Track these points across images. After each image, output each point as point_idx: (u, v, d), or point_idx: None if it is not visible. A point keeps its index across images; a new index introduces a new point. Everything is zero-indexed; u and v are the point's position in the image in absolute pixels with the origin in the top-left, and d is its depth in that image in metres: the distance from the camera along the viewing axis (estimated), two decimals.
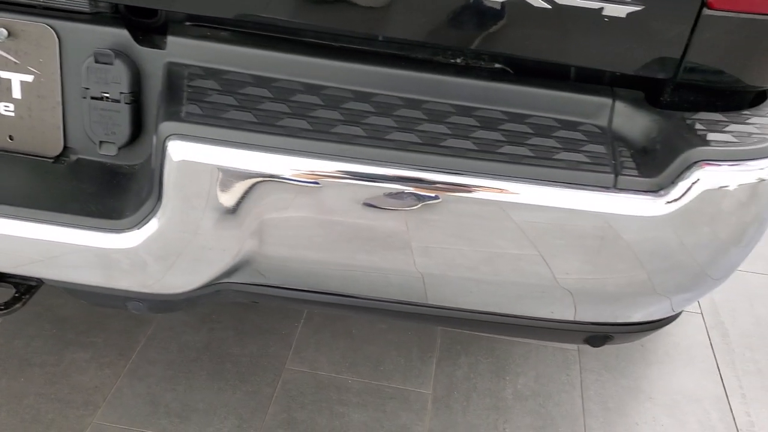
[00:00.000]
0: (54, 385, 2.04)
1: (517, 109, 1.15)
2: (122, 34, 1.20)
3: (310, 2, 1.13)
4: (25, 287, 1.37)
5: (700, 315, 2.56)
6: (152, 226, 1.11)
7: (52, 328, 2.21)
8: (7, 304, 1.33)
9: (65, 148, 1.28)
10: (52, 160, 1.28)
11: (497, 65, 1.20)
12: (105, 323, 2.24)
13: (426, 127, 1.08)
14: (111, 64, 1.18)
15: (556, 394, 2.16)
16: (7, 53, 1.22)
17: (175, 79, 1.15)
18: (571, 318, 1.17)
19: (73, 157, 1.28)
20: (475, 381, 2.18)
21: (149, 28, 1.23)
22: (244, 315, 2.33)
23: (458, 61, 1.20)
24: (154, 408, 2.00)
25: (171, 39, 1.19)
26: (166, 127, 1.05)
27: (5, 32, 1.20)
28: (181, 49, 1.19)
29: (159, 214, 1.10)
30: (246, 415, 2.01)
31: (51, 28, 1.20)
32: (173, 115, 1.06)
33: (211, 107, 1.09)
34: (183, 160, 1.05)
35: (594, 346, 1.25)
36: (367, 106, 1.12)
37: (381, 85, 1.16)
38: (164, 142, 1.05)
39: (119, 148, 1.24)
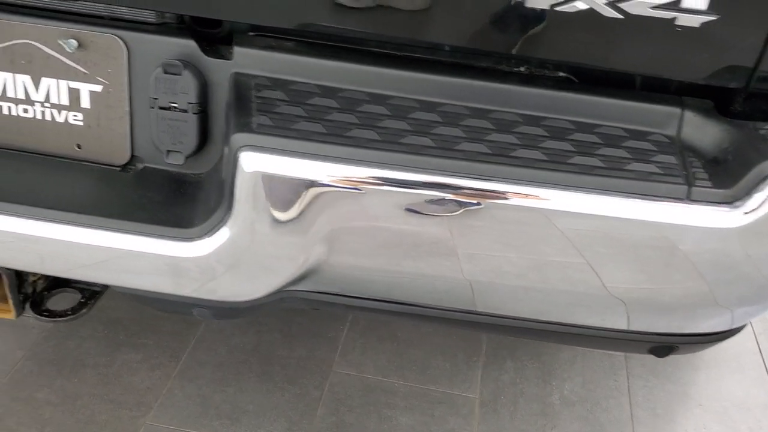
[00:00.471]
0: (107, 386, 2.07)
1: (584, 119, 1.14)
2: (189, 45, 1.21)
3: (373, 11, 1.13)
4: (89, 293, 1.39)
5: (749, 322, 2.52)
6: (222, 235, 1.11)
7: (104, 330, 2.24)
8: (74, 310, 1.36)
9: (132, 156, 1.29)
10: (119, 169, 1.30)
11: (561, 74, 1.19)
12: (155, 325, 2.27)
13: (495, 137, 1.07)
14: (179, 74, 1.19)
15: (604, 400, 2.14)
16: (77, 64, 1.24)
17: (242, 89, 1.16)
18: (636, 328, 1.16)
19: (140, 166, 1.30)
20: (522, 386, 2.17)
21: (215, 39, 1.24)
22: (291, 318, 2.34)
23: (522, 69, 1.20)
24: (204, 409, 2.02)
25: (237, 50, 1.20)
26: (238, 138, 1.06)
27: (75, 43, 1.21)
28: (247, 59, 1.19)
29: (230, 223, 1.10)
30: (295, 417, 2.02)
31: (120, 38, 1.21)
32: (244, 127, 1.07)
33: (280, 118, 1.09)
34: (255, 171, 1.06)
35: (658, 357, 1.24)
36: (434, 115, 1.12)
37: (446, 95, 1.16)
38: (236, 153, 1.06)
39: (186, 157, 1.25)
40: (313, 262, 1.13)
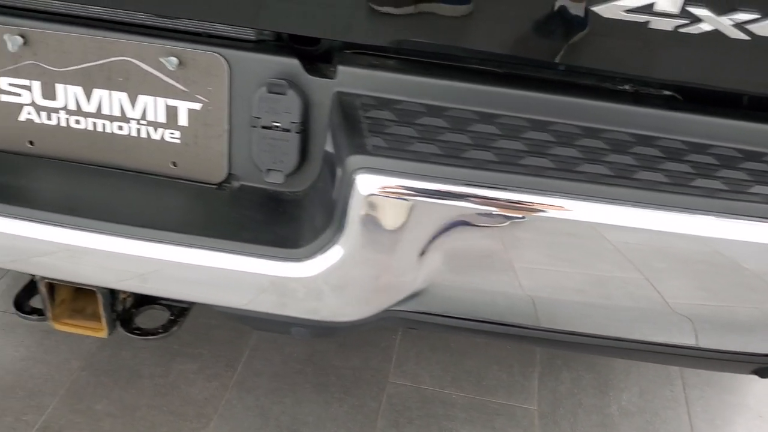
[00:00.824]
0: (164, 396, 2.06)
1: (693, 138, 1.12)
2: (292, 64, 1.19)
3: (482, 30, 1.12)
4: (178, 310, 1.38)
5: None
6: (333, 255, 1.10)
7: (158, 339, 2.23)
8: (165, 327, 1.35)
9: (228, 174, 1.28)
10: (215, 187, 1.28)
11: (666, 92, 1.18)
12: (209, 334, 2.26)
13: (612, 158, 1.06)
14: (284, 94, 1.18)
15: (662, 411, 2.13)
16: (176, 81, 1.22)
17: (349, 109, 1.14)
18: (745, 349, 1.15)
19: (236, 184, 1.28)
20: (580, 397, 2.16)
21: (314, 57, 1.23)
22: None
23: (627, 88, 1.18)
24: (264, 421, 2.01)
25: (341, 68, 1.18)
26: (355, 160, 1.05)
27: (176, 61, 1.20)
28: (350, 78, 1.18)
29: (341, 243, 1.09)
30: (355, 429, 2.01)
31: (222, 57, 1.20)
32: (359, 148, 1.06)
33: (394, 139, 1.08)
34: (372, 193, 1.04)
35: (761, 377, 1.23)
36: (546, 135, 1.10)
37: (553, 113, 1.14)
38: (352, 175, 1.05)
39: (286, 176, 1.24)
40: (423, 283, 1.11)
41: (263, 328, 1.27)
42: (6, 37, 1.21)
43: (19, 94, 1.26)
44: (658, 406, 2.15)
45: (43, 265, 1.20)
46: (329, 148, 1.19)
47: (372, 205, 1.05)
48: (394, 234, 1.06)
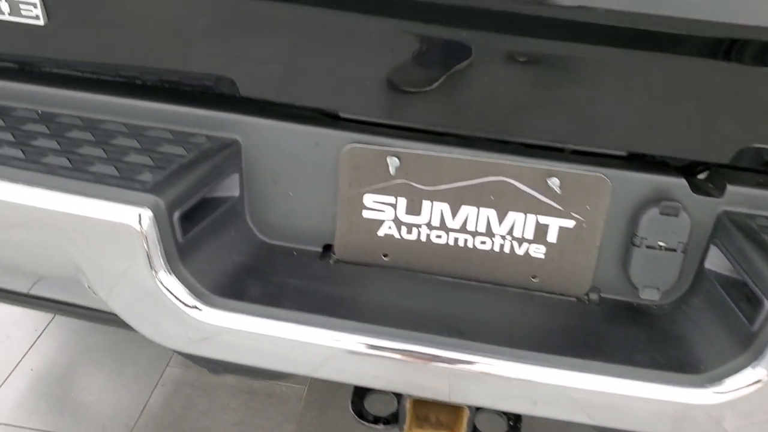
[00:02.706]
0: None
1: None
2: (680, 184, 1.16)
3: None
4: (514, 416, 1.35)
5: None
6: (742, 382, 1.07)
7: None
8: None
9: (590, 287, 1.24)
10: (575, 300, 1.25)
11: None
12: None
13: None
14: (676, 215, 1.15)
15: None
16: (551, 200, 1.19)
17: (751, 232, 1.11)
18: None
19: (595, 297, 1.25)
20: None
21: (692, 174, 1.19)
22: None
23: None
24: None
25: (730, 188, 1.15)
26: None
27: (558, 182, 1.16)
28: (739, 197, 1.15)
29: (757, 371, 1.05)
30: None
31: (606, 177, 1.16)
32: None
33: None
34: None
35: None
36: None
37: None
38: None
39: (662, 293, 1.20)
40: None
41: None
42: (389, 159, 1.17)
43: (382, 211, 1.23)
44: None
45: (427, 388, 1.16)
46: (711, 266, 1.16)
47: None
48: None
